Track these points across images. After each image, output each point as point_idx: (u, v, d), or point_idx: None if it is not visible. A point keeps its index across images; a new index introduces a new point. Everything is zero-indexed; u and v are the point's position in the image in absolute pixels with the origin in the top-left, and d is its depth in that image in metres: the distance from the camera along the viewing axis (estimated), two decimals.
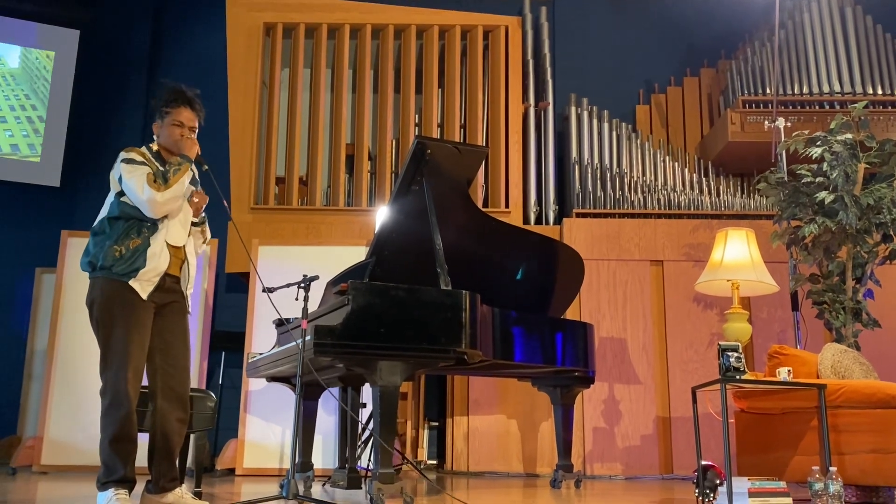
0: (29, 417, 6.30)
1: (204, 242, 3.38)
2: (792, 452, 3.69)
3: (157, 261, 3.03)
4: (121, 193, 3.05)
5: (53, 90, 7.41)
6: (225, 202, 3.32)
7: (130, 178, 2.99)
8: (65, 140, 7.35)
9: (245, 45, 6.77)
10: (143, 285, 3.01)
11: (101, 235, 3.05)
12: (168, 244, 3.09)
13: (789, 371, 3.64)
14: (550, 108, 6.84)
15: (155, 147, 3.19)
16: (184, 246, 3.18)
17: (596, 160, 6.55)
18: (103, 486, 2.89)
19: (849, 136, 4.78)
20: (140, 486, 3.03)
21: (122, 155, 3.07)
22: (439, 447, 6.28)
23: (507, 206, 6.57)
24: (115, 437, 2.89)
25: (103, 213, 3.09)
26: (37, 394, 6.26)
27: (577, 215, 6.32)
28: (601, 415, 5.76)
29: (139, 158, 3.06)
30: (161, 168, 3.08)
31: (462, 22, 6.95)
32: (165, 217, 3.08)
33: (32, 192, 7.27)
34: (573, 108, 6.74)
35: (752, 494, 3.14)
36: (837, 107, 6.20)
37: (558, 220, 6.47)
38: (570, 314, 5.71)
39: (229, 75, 6.68)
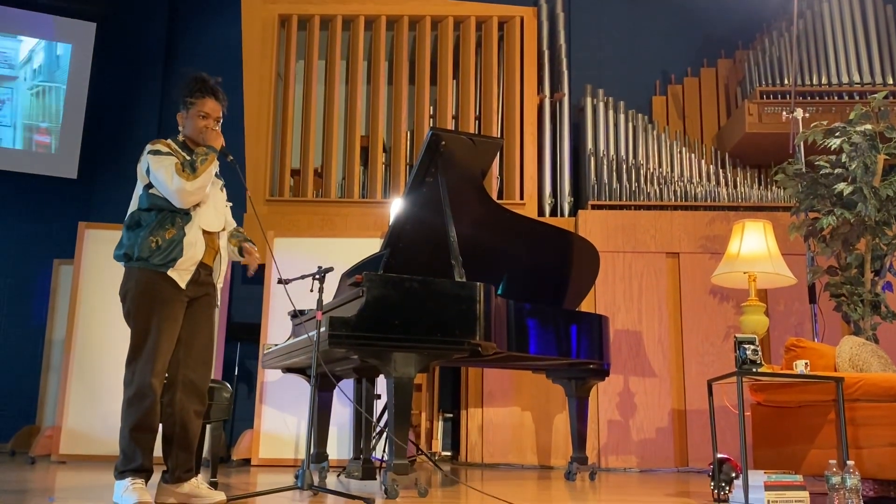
0: (47, 407, 6.36)
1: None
2: (809, 446, 3.66)
3: (193, 249, 3.05)
4: (149, 185, 3.06)
5: (70, 82, 7.45)
6: (249, 192, 3.33)
7: (158, 169, 3.00)
8: (82, 132, 7.40)
9: (260, 38, 6.78)
10: (181, 274, 3.03)
11: (136, 228, 3.05)
12: (203, 230, 3.11)
13: (806, 364, 3.61)
14: (566, 99, 6.80)
15: (181, 138, 3.19)
16: (218, 234, 3.19)
17: (612, 151, 6.52)
18: (121, 474, 2.92)
19: (868, 126, 4.71)
20: (156, 477, 3.05)
21: (149, 147, 3.08)
22: (453, 439, 6.29)
23: (521, 197, 6.55)
24: (136, 427, 2.91)
25: (133, 206, 3.10)
26: (55, 384, 6.31)
27: (593, 207, 6.29)
28: (616, 407, 5.75)
29: (165, 150, 3.07)
30: (188, 158, 3.08)
31: (477, 13, 6.92)
32: (197, 205, 3.09)
33: (50, 184, 7.33)
34: (589, 100, 6.70)
35: (768, 488, 3.13)
36: (856, 97, 6.13)
37: (573, 212, 6.45)
38: (586, 306, 5.69)
39: (244, 67, 6.69)
